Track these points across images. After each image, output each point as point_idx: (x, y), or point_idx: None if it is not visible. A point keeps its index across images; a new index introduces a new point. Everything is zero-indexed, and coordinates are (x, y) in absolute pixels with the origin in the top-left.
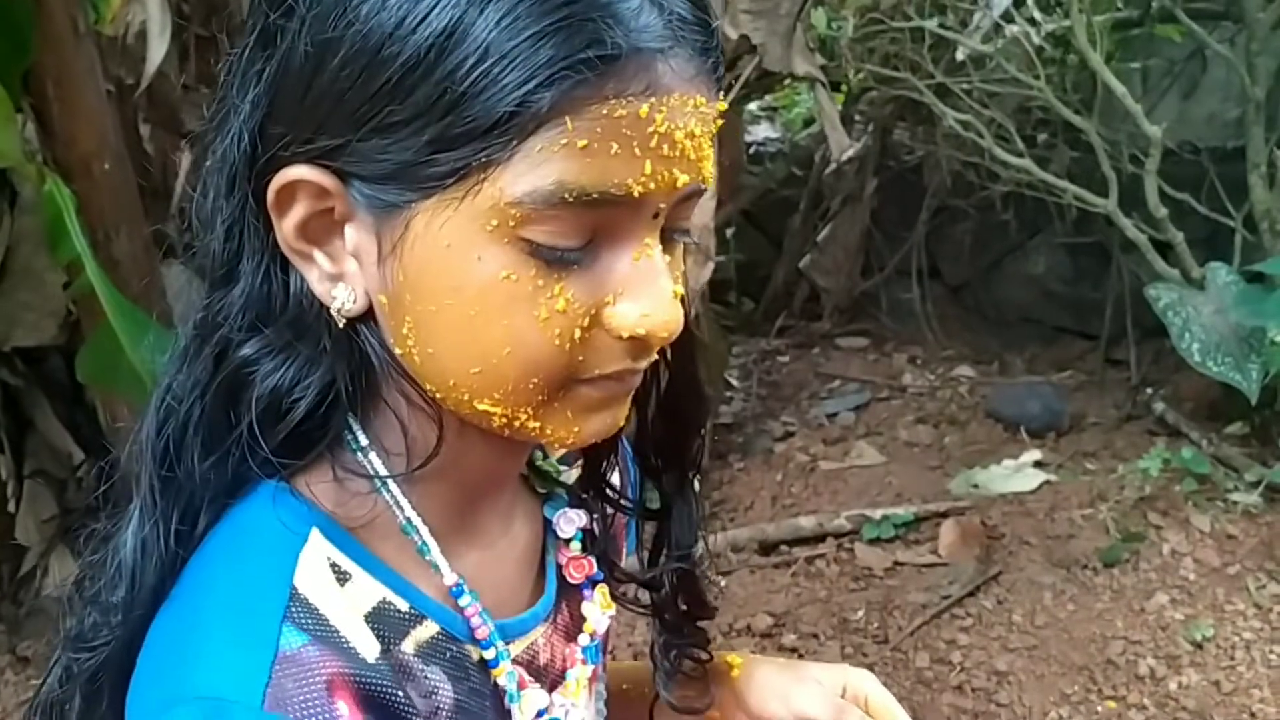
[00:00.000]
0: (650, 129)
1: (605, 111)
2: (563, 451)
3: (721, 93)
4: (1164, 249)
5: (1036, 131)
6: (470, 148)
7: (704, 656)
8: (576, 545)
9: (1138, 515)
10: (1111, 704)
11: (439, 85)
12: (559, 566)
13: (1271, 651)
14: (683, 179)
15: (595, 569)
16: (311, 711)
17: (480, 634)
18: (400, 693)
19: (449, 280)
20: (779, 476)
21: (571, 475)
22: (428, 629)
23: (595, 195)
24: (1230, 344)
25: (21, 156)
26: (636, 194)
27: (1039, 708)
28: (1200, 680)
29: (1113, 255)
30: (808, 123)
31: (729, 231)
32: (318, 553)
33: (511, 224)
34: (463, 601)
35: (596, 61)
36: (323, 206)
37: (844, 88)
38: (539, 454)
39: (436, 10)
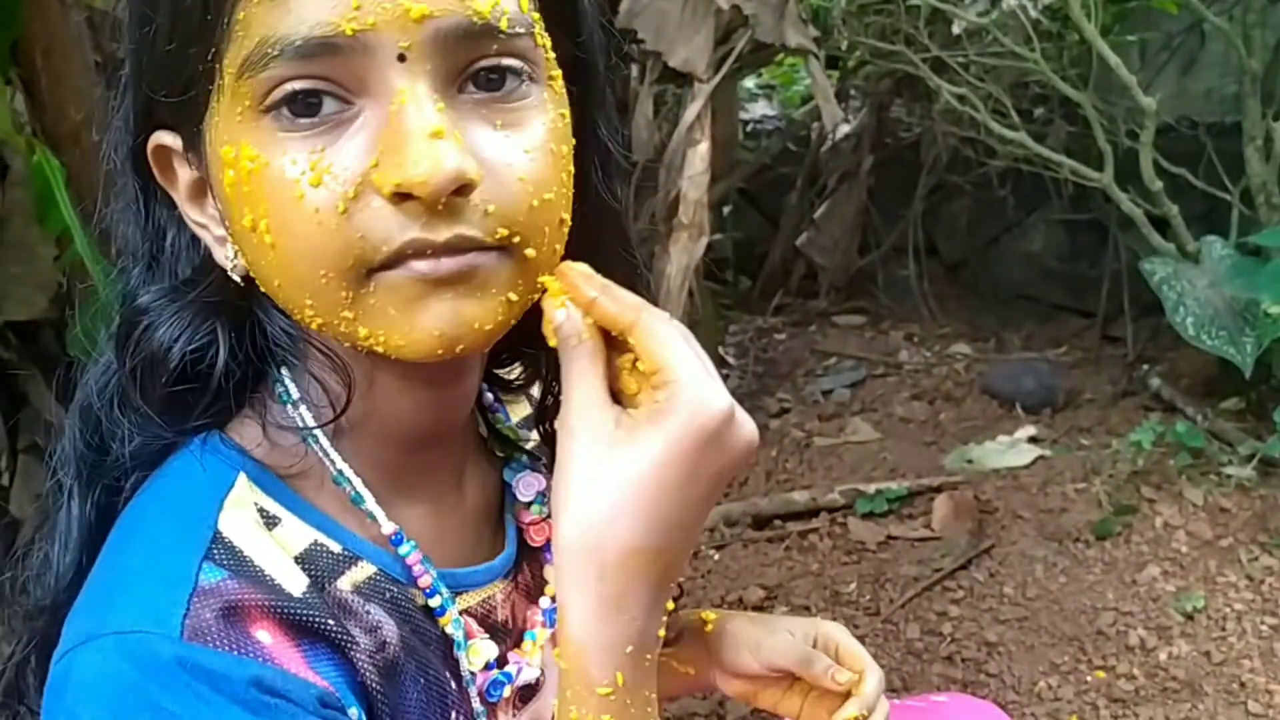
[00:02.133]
0: None
1: None
2: (524, 414)
3: None
4: (1161, 224)
5: (1034, 106)
6: (199, 43)
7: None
8: (537, 509)
9: (1131, 489)
10: (1101, 674)
11: None
12: (521, 529)
13: (1263, 623)
14: (417, 10)
15: None
16: (231, 640)
17: (423, 582)
18: (332, 622)
19: (228, 185)
20: (774, 452)
21: (533, 441)
22: (363, 569)
23: (300, 42)
24: (1225, 318)
25: (10, 128)
26: (350, 32)
27: (1029, 678)
28: (1190, 651)
29: (1110, 232)
30: (805, 100)
31: (725, 209)
32: (243, 497)
33: (248, 102)
34: (402, 550)
35: None
36: (197, 171)
37: (840, 63)
38: (499, 417)
39: None
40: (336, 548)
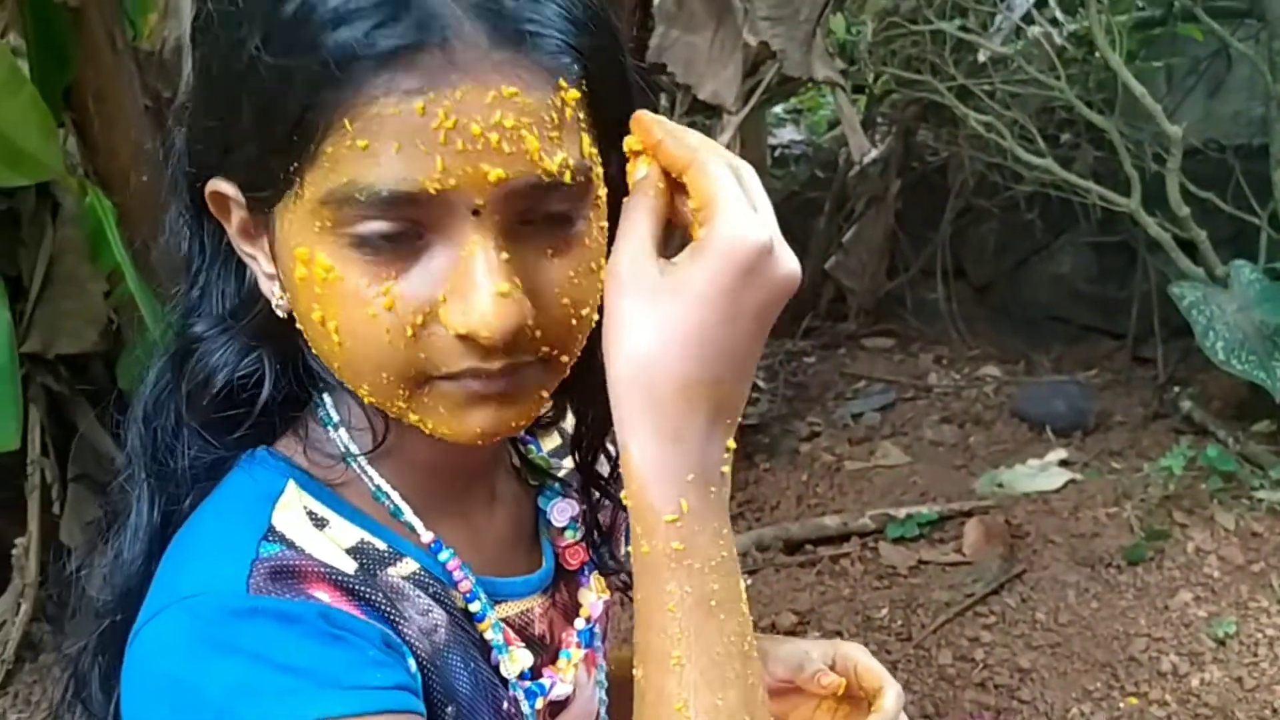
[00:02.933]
0: (434, 124)
1: (376, 111)
2: (555, 445)
3: (578, 79)
4: (1189, 248)
5: (1060, 132)
6: (284, 155)
7: None
8: (571, 534)
9: (1162, 513)
10: (1133, 700)
11: (251, 100)
12: (557, 553)
13: None
14: (495, 173)
15: (590, 556)
16: (293, 594)
17: (463, 586)
18: (383, 598)
19: (298, 278)
20: (804, 476)
21: (566, 469)
22: (408, 565)
23: (386, 194)
24: (1254, 342)
25: (64, 169)
26: (433, 191)
27: (1061, 704)
28: (1223, 677)
29: (1138, 254)
30: (832, 125)
31: None
32: (292, 501)
33: (329, 223)
34: (441, 555)
35: (370, 60)
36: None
37: (866, 91)
38: (532, 448)
39: (246, 29)
40: (382, 545)
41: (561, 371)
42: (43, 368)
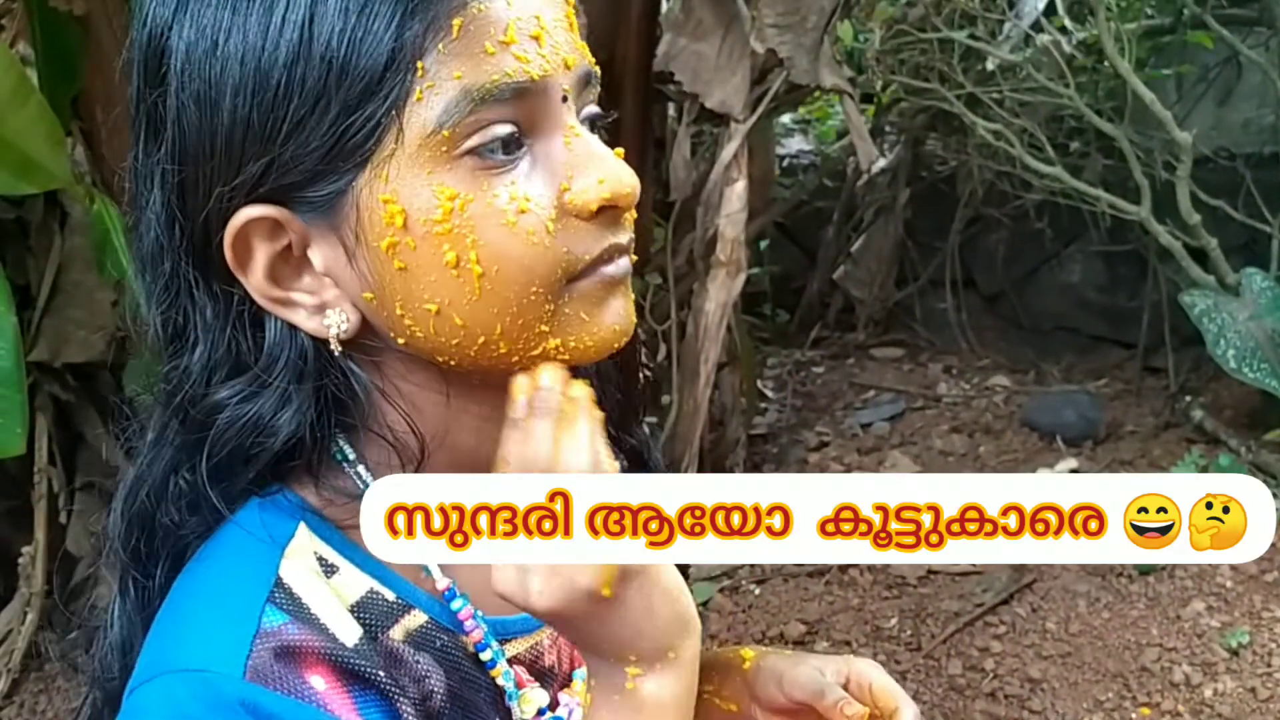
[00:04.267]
0: (516, 17)
1: (472, 14)
2: None
3: None
4: (1200, 256)
5: (1069, 140)
6: (374, 103)
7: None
8: None
9: None
10: (1146, 711)
11: (323, 63)
12: None
13: None
14: (571, 59)
15: None
16: (288, 685)
17: (475, 637)
18: (383, 673)
19: (415, 232)
20: None
21: None
22: (416, 618)
23: (499, 88)
24: (1266, 350)
25: (71, 178)
26: (536, 77)
27: (1073, 715)
28: (1236, 687)
29: (1149, 263)
30: (841, 135)
31: (762, 244)
32: (303, 546)
33: (444, 149)
34: (455, 605)
35: None
36: (279, 245)
37: (875, 99)
38: None
39: (292, 6)
40: (391, 596)
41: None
42: (50, 376)
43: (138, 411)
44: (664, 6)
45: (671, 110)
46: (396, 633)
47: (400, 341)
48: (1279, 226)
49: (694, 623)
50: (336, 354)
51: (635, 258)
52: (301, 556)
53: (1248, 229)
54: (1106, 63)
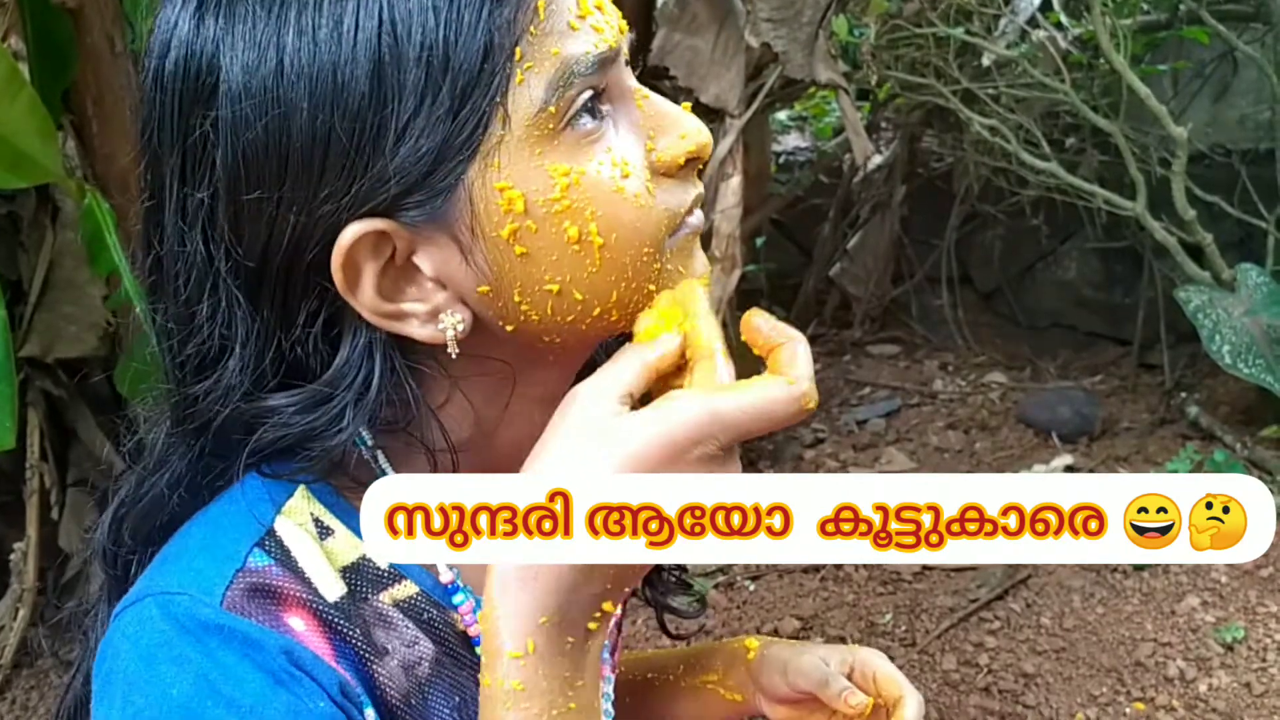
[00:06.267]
0: None
1: (546, 1)
2: None
3: None
4: (1196, 252)
5: (1065, 136)
6: (479, 92)
7: (689, 584)
8: None
9: None
10: (1140, 706)
11: (420, 63)
12: None
13: None
14: (623, 25)
15: None
16: (265, 618)
17: (473, 631)
18: (358, 633)
19: (535, 215)
20: None
21: None
22: (406, 588)
23: (595, 57)
24: (1261, 346)
25: (63, 172)
26: (613, 45)
27: (1067, 710)
28: (1231, 682)
29: (1145, 259)
30: (837, 132)
31: (758, 241)
32: (300, 507)
33: (551, 125)
34: (457, 599)
35: None
36: (383, 259)
37: (871, 95)
38: None
39: (364, 12)
40: (383, 564)
41: None
42: (42, 372)
43: (135, 420)
44: (659, 1)
45: None
46: (385, 598)
47: (509, 329)
48: (1274, 222)
49: None
50: (397, 365)
51: None
52: (297, 516)
53: (1243, 225)
54: (1102, 58)
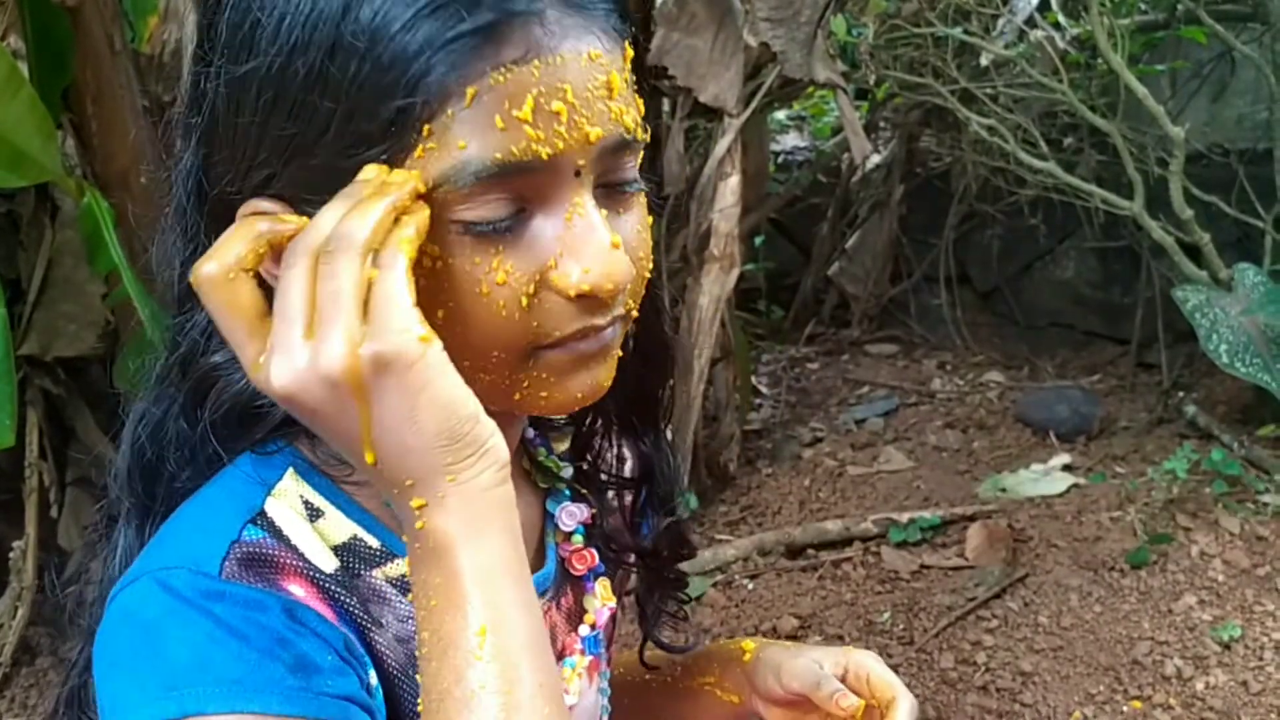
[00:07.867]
0: (538, 91)
1: (489, 84)
2: (564, 448)
3: (628, 41)
4: (1193, 252)
5: (1063, 136)
6: (377, 148)
7: (685, 597)
8: (578, 538)
9: (1166, 517)
10: (1137, 704)
11: (333, 97)
12: (563, 559)
13: None
14: (595, 132)
15: (597, 562)
16: (265, 585)
17: None
18: (356, 602)
19: (420, 264)
20: (807, 482)
21: (571, 471)
22: (398, 566)
23: (501, 167)
24: (1259, 345)
25: (62, 171)
26: (545, 157)
27: (1064, 708)
28: (1228, 680)
29: (1142, 259)
30: (836, 131)
31: (757, 240)
32: (289, 489)
33: (435, 209)
34: None
35: (466, 38)
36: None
37: (869, 95)
38: (542, 450)
39: (320, 27)
40: (375, 543)
41: (628, 327)
42: (41, 370)
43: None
44: (657, 1)
45: (665, 105)
46: (378, 574)
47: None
48: (1272, 222)
49: (481, 445)
50: None
51: (634, 311)
52: (287, 498)
53: (1240, 224)
54: (1100, 58)
